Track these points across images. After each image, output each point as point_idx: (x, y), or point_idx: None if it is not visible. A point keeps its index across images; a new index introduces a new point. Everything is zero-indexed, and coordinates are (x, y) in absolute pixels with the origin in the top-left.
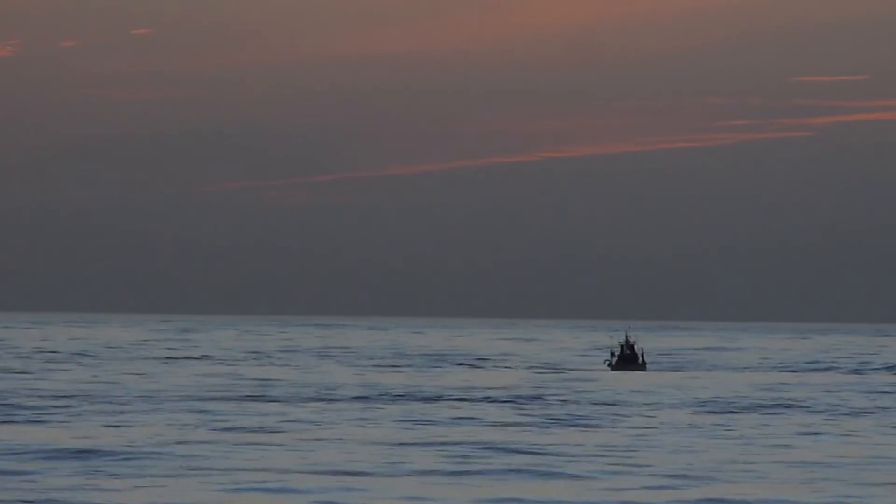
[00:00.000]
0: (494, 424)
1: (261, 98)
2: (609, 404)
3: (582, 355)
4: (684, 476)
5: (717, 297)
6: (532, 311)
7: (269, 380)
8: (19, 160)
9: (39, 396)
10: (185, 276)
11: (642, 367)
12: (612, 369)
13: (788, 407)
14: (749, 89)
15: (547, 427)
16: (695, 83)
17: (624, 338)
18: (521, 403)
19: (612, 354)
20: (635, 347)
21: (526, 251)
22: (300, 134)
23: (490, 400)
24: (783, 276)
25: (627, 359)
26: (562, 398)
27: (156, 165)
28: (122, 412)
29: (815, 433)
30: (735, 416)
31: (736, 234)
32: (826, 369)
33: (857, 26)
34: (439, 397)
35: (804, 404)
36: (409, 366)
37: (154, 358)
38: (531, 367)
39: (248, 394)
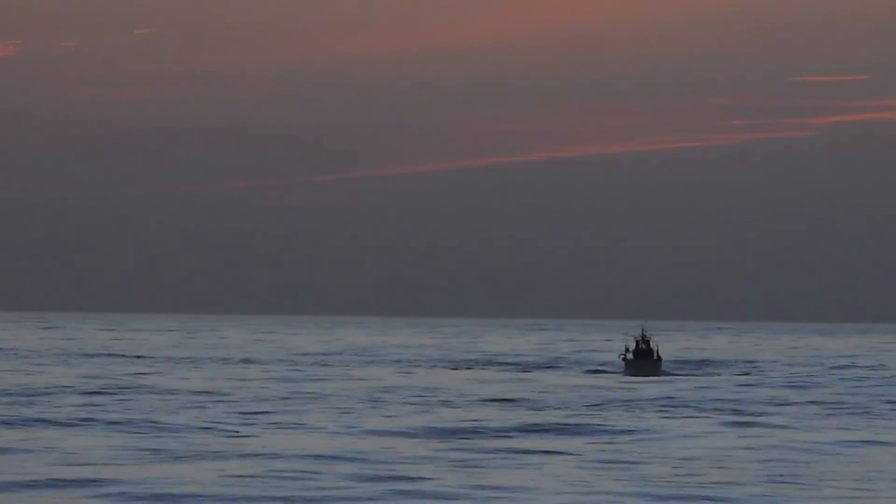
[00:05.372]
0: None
1: (261, 98)
2: None
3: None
4: None
5: (717, 297)
6: (531, 311)
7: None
8: (19, 160)
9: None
10: (185, 275)
11: (658, 362)
12: (627, 364)
13: None
14: (750, 89)
15: None
16: (695, 83)
17: (640, 333)
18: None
19: (627, 350)
20: (651, 344)
21: (526, 251)
22: (300, 134)
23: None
24: (784, 275)
25: (643, 354)
26: None
27: (156, 165)
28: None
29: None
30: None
31: (736, 233)
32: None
33: (857, 26)
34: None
35: None
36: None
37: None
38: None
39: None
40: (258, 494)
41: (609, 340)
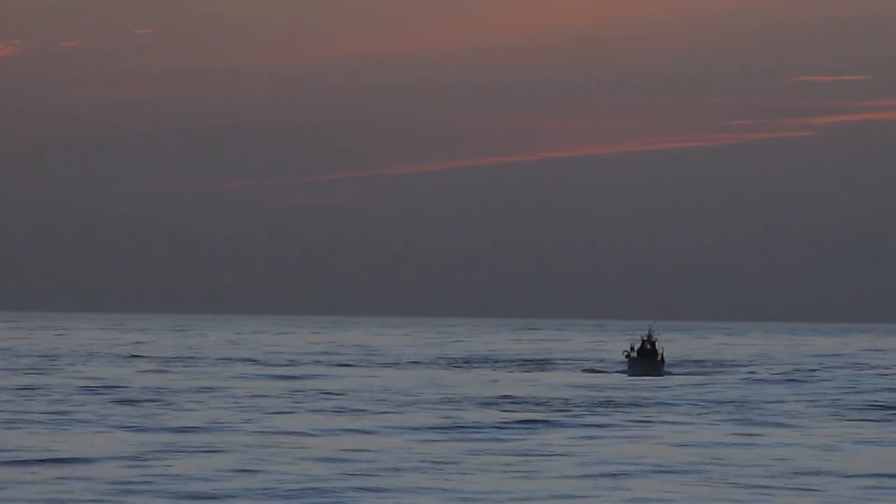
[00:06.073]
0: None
1: (261, 98)
2: None
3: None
4: None
5: (717, 297)
6: (531, 311)
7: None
8: (19, 160)
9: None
10: (185, 275)
11: (660, 363)
12: (630, 363)
13: None
14: (750, 89)
15: None
16: (695, 83)
17: (647, 333)
18: None
19: (632, 348)
20: (656, 345)
21: (525, 251)
22: (300, 134)
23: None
24: (784, 275)
25: (647, 353)
26: None
27: (156, 165)
28: None
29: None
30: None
31: (736, 234)
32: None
33: (857, 26)
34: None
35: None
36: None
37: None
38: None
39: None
40: (257, 487)
41: (604, 342)
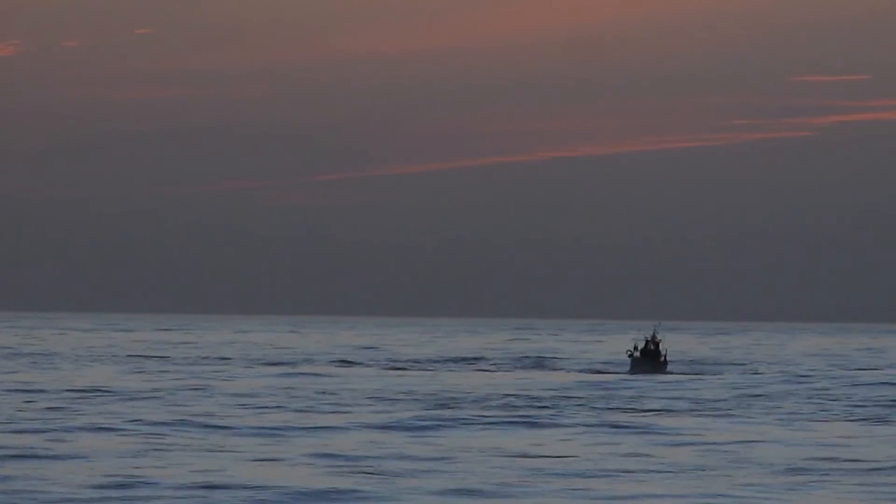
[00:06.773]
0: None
1: (261, 98)
2: None
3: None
4: None
5: (718, 297)
6: (531, 311)
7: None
8: (19, 160)
9: None
10: (184, 275)
11: (663, 364)
12: (633, 362)
13: None
14: (750, 89)
15: None
16: (695, 83)
17: (652, 334)
18: None
19: (636, 348)
20: (660, 346)
21: (525, 251)
22: (301, 134)
23: None
24: (784, 275)
25: (650, 354)
26: None
27: (156, 165)
28: None
29: None
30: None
31: (736, 234)
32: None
33: (858, 26)
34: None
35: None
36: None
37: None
38: None
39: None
40: (255, 483)
41: (604, 342)
